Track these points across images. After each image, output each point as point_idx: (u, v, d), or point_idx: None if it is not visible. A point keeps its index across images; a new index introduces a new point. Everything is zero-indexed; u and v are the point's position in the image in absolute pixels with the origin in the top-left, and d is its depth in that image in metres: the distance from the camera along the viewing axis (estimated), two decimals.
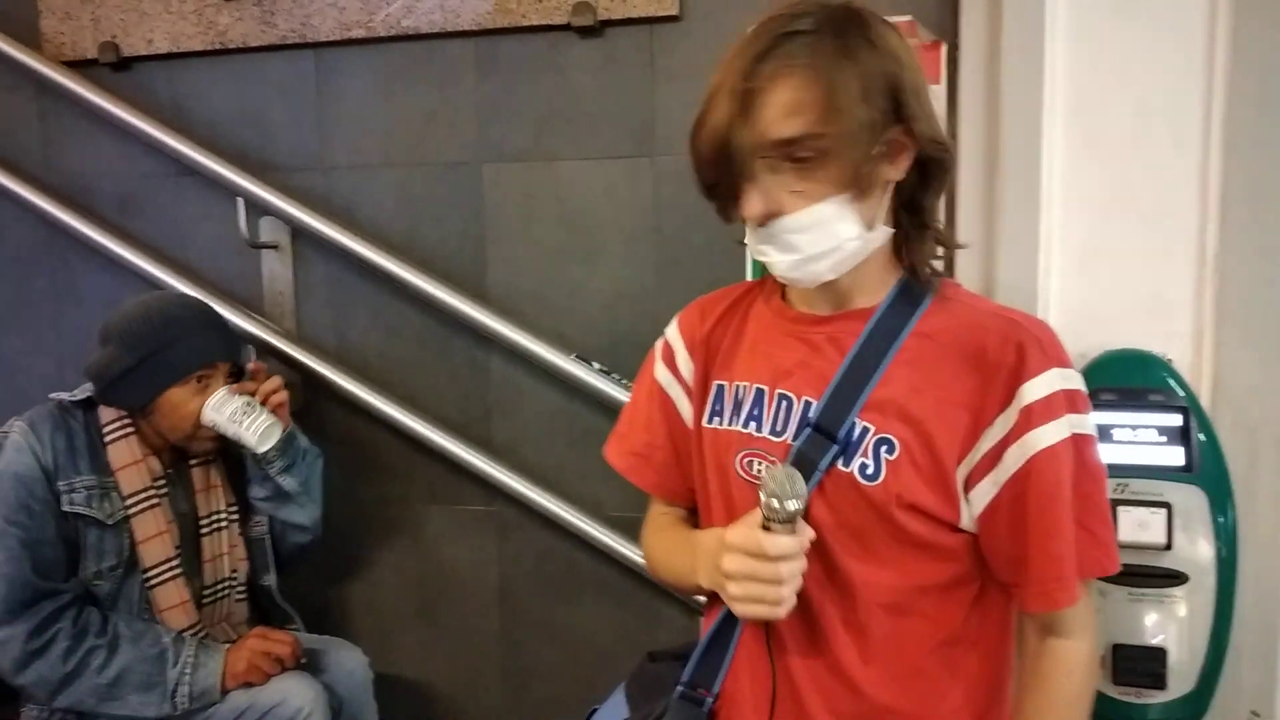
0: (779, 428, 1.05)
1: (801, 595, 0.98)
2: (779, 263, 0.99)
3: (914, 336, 1.01)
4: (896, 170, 0.97)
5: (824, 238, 0.96)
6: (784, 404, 1.06)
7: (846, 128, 0.90)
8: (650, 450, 1.23)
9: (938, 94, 1.60)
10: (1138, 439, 1.38)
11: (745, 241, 1.04)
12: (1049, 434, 0.94)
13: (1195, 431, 1.36)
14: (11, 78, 2.24)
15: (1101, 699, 1.36)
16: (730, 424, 1.10)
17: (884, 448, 0.99)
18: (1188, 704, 1.35)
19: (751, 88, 0.91)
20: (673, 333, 1.22)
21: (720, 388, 1.13)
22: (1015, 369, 0.95)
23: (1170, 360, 1.41)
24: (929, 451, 0.97)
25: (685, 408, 1.18)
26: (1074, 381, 0.97)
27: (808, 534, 0.97)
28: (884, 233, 1.00)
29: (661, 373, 1.21)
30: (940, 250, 1.07)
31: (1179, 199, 1.42)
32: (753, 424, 1.07)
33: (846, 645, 1.03)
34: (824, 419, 1.01)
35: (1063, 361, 0.97)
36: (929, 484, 0.98)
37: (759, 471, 1.06)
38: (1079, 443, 0.96)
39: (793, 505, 0.91)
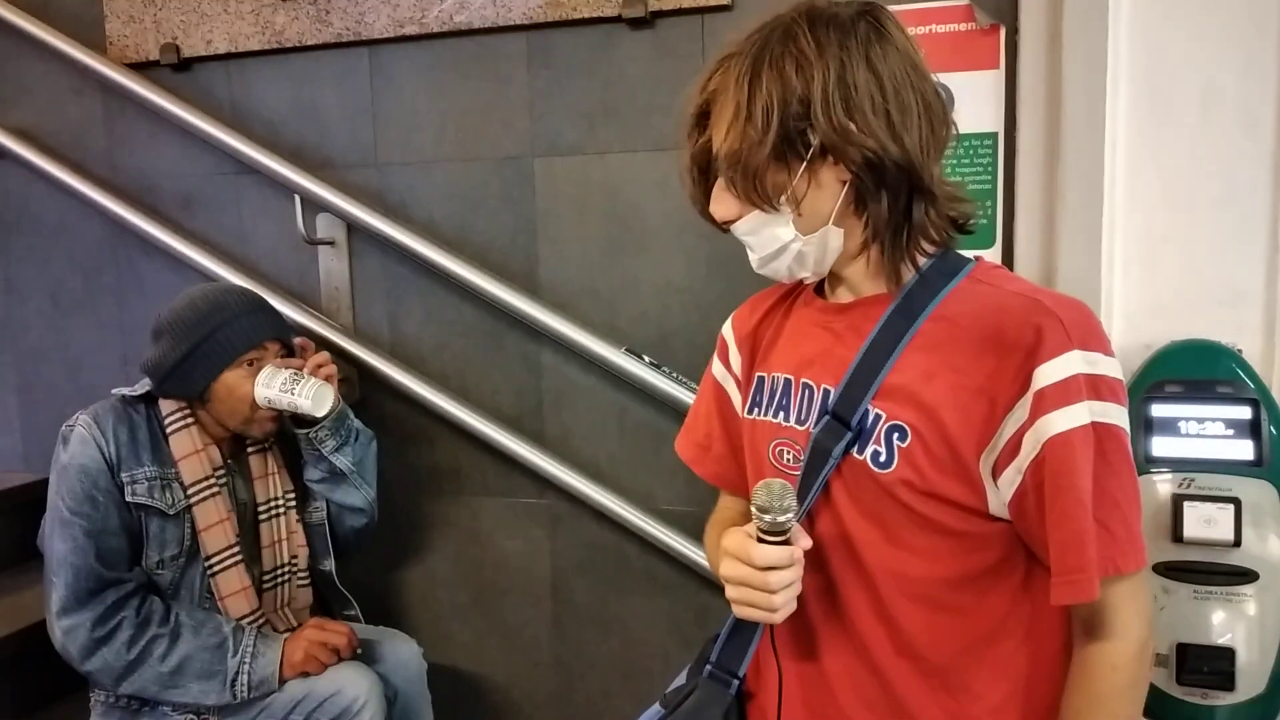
0: (803, 416, 1.07)
1: (831, 584, 1.04)
2: (750, 260, 1.08)
3: (932, 321, 1.00)
4: (818, 180, 0.99)
5: (768, 240, 1.03)
6: (807, 393, 1.07)
7: (733, 147, 0.98)
8: (709, 441, 1.29)
9: (995, 79, 1.57)
10: (1205, 432, 1.35)
11: None
12: (1061, 420, 0.90)
13: (1266, 424, 1.31)
14: (79, 81, 2.30)
15: (1165, 700, 1.33)
16: (765, 414, 1.13)
17: (896, 434, 0.98)
18: (1257, 707, 1.31)
19: (694, 110, 1.05)
20: (727, 328, 1.27)
21: (760, 379, 1.16)
22: (1031, 351, 0.92)
23: (1239, 351, 1.37)
24: (942, 438, 0.95)
25: (738, 400, 1.22)
26: (1101, 367, 0.92)
27: (802, 544, 0.97)
28: (835, 234, 1.02)
29: (717, 367, 1.28)
30: (956, 235, 1.05)
31: (1248, 184, 1.38)
32: (781, 413, 1.10)
33: (878, 636, 1.02)
34: (839, 406, 1.02)
35: (1088, 344, 0.92)
36: (944, 471, 0.96)
37: (788, 460, 1.07)
38: (1100, 433, 0.91)
39: (780, 519, 0.93)
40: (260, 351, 1.76)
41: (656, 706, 1.19)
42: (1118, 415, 0.92)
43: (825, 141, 0.95)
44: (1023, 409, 0.92)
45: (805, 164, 0.97)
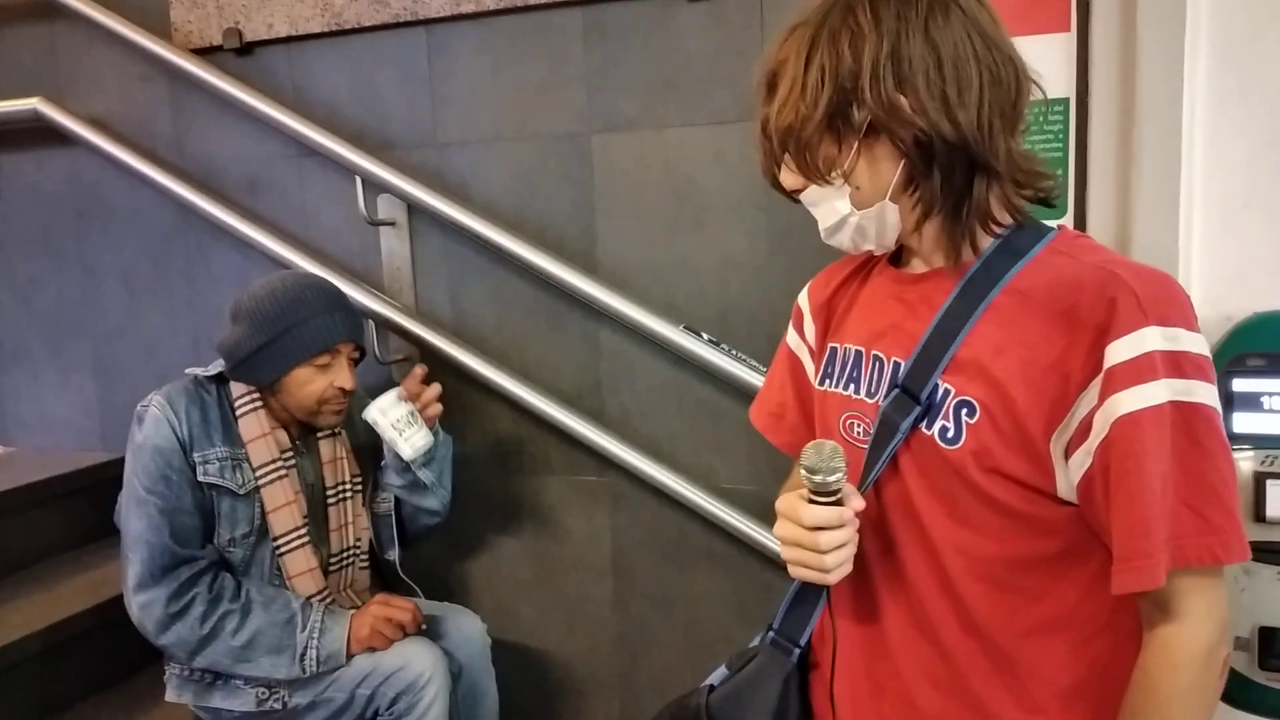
0: (873, 389, 1.05)
1: (897, 558, 1.02)
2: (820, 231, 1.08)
3: (1006, 293, 0.97)
4: (872, 154, 0.98)
5: (827, 213, 1.04)
6: (877, 365, 1.06)
7: (786, 120, 0.98)
8: (783, 410, 1.28)
9: (1066, 42, 1.52)
10: None
11: None
12: (1132, 399, 0.85)
13: None
14: (146, 68, 2.35)
15: (1246, 684, 1.29)
16: (836, 386, 1.12)
17: (964, 410, 0.95)
18: None
19: (763, 79, 1.04)
20: (803, 298, 1.26)
21: (833, 350, 1.14)
22: (1104, 327, 0.87)
23: None
24: (1010, 415, 0.92)
25: (811, 370, 1.21)
26: (1184, 343, 0.87)
27: (854, 505, 0.97)
28: (891, 209, 1.00)
29: (792, 337, 1.27)
30: (1025, 206, 1.01)
31: None
32: (852, 386, 1.09)
33: (943, 612, 1.01)
34: (909, 380, 1.00)
35: (1167, 319, 0.87)
36: (1013, 449, 0.93)
37: (859, 434, 1.06)
38: (1185, 412, 0.86)
39: (828, 479, 0.93)
40: (335, 352, 1.78)
41: (723, 668, 1.19)
42: (1206, 394, 0.87)
43: (873, 117, 0.94)
44: (1094, 389, 0.88)
45: (858, 139, 0.96)
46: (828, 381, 1.13)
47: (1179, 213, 1.39)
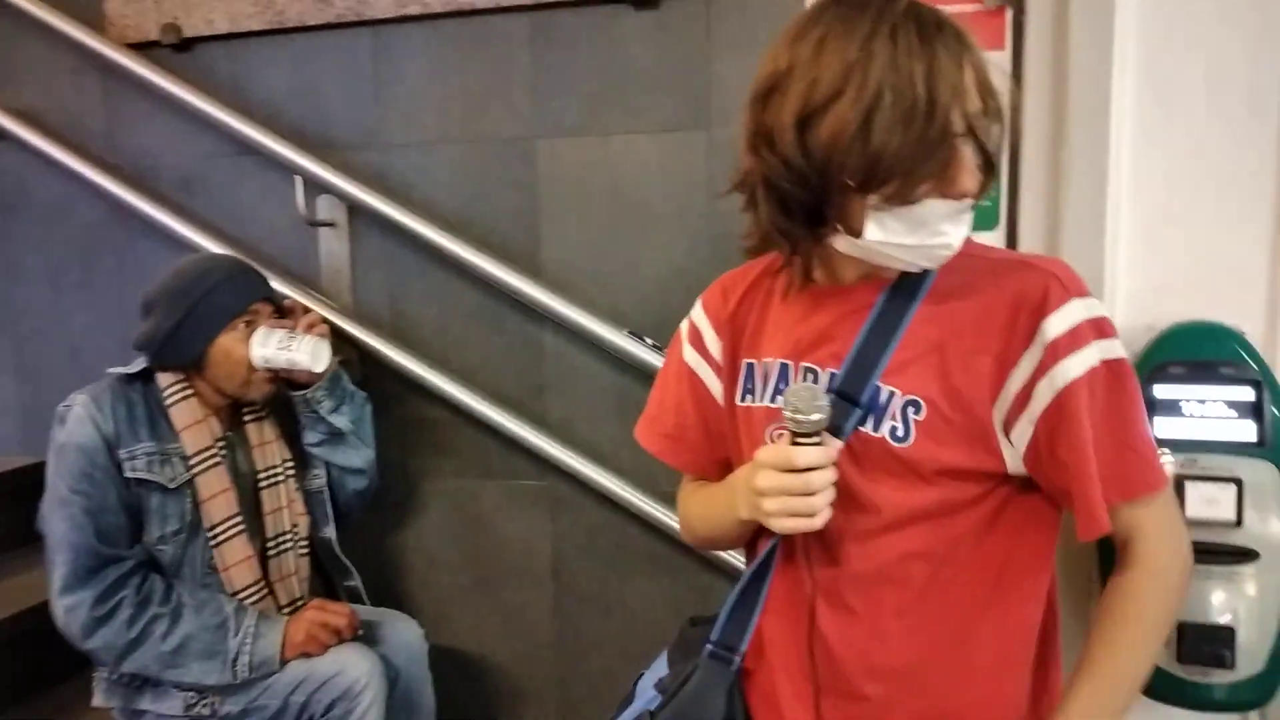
0: None
1: (834, 557, 1.04)
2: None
3: (931, 294, 1.03)
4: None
5: (967, 225, 1.02)
6: (810, 377, 1.07)
7: (982, 111, 0.98)
8: (681, 431, 1.26)
9: (1000, 60, 1.57)
10: (1207, 413, 1.34)
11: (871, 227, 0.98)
12: (1076, 364, 0.95)
13: (1268, 405, 1.31)
14: (78, 60, 2.29)
15: (1166, 678, 1.33)
16: (760, 400, 1.12)
17: (911, 408, 0.99)
18: (1256, 685, 1.31)
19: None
20: (698, 314, 1.24)
21: (750, 366, 1.15)
22: (1037, 306, 0.97)
23: (1243, 332, 1.36)
24: (958, 405, 0.98)
25: (716, 387, 1.20)
26: (1097, 310, 0.98)
27: (836, 445, 1.00)
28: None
29: (689, 354, 1.23)
30: None
31: (1254, 166, 1.37)
32: (779, 398, 1.08)
33: (881, 603, 1.04)
34: (845, 384, 1.02)
35: (1082, 291, 0.98)
36: (965, 438, 0.98)
37: None
38: (1113, 367, 0.97)
39: (815, 416, 0.95)
40: (252, 314, 1.77)
41: (652, 693, 1.19)
42: (1120, 348, 0.98)
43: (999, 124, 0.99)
44: (1030, 360, 0.96)
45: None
46: (750, 397, 1.13)
47: (1105, 226, 1.44)
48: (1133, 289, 1.45)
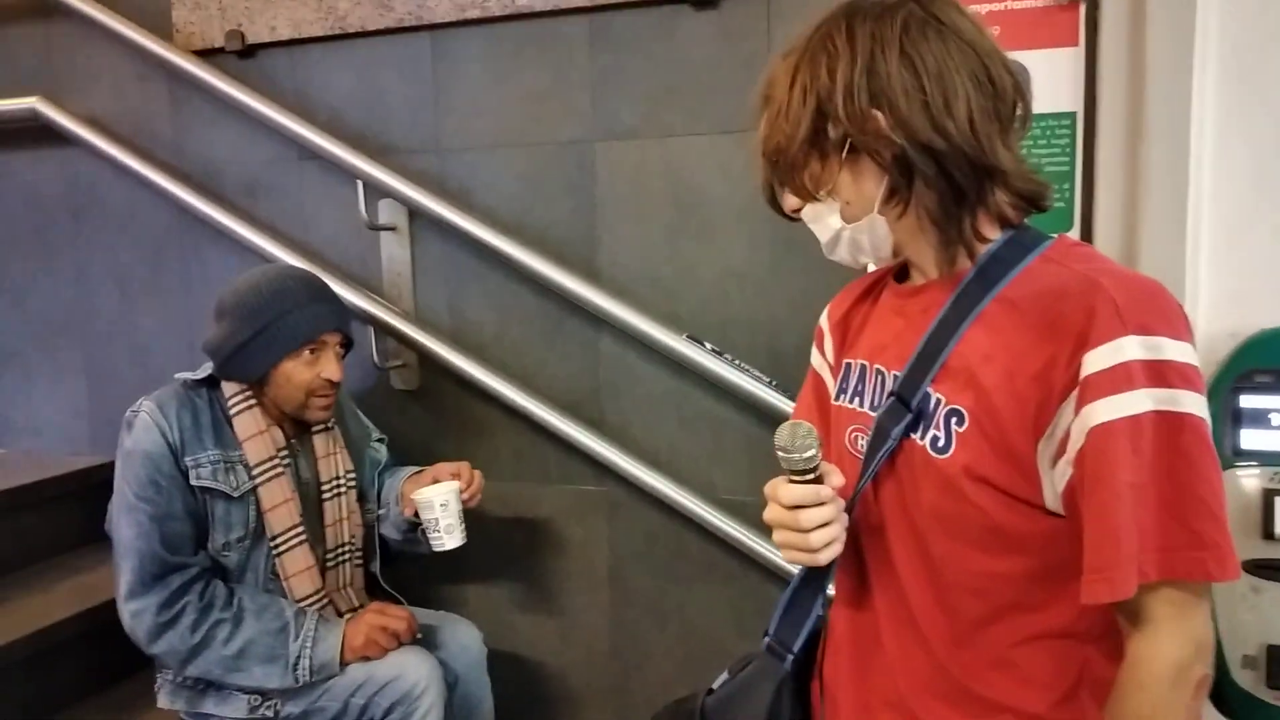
0: (875, 402, 1.06)
1: (895, 570, 1.03)
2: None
3: (997, 302, 0.96)
4: (857, 169, 0.99)
5: (824, 229, 1.05)
6: (879, 378, 1.06)
7: (772, 143, 1.01)
8: None
9: (1074, 57, 1.52)
10: None
11: None
12: (1107, 409, 0.84)
13: None
14: (146, 68, 2.34)
15: (1252, 703, 1.28)
16: (848, 401, 1.12)
17: (954, 419, 0.95)
18: None
19: (759, 102, 1.05)
20: (824, 316, 1.26)
21: (847, 366, 1.14)
22: (1083, 336, 0.86)
23: None
24: (996, 424, 0.91)
25: (832, 387, 1.20)
26: (1165, 352, 0.84)
27: (834, 482, 0.98)
28: (879, 222, 1.01)
29: (815, 356, 1.27)
30: (1022, 215, 1.01)
31: None
32: (858, 399, 1.09)
33: (938, 623, 1.00)
34: (902, 387, 1.00)
35: (1149, 328, 0.84)
36: (1001, 458, 0.92)
37: (861, 446, 1.06)
38: (1170, 421, 0.83)
39: (804, 454, 0.93)
40: (320, 344, 1.77)
41: (726, 672, 1.19)
42: (1193, 404, 0.84)
43: (849, 134, 0.95)
44: (1073, 399, 0.87)
45: (840, 155, 0.98)
46: (842, 397, 1.13)
47: (1186, 228, 1.39)
48: (1215, 294, 1.40)
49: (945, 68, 0.93)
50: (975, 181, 0.95)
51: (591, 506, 2.11)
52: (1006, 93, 0.96)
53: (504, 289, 2.11)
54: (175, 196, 2.29)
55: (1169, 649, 0.86)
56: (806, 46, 0.98)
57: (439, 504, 1.79)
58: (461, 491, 1.83)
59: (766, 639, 1.13)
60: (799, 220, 1.08)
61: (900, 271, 1.13)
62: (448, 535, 1.81)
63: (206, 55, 2.26)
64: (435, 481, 1.85)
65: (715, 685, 1.17)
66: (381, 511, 1.96)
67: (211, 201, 2.28)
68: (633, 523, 2.08)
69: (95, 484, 2.26)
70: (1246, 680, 1.28)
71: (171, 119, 2.36)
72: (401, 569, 2.04)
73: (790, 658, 1.10)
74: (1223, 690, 1.29)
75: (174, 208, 2.33)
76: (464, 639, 1.93)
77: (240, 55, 2.24)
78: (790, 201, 1.06)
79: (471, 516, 1.90)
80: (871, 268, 1.16)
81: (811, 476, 0.96)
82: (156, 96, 2.36)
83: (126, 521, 1.66)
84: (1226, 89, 1.37)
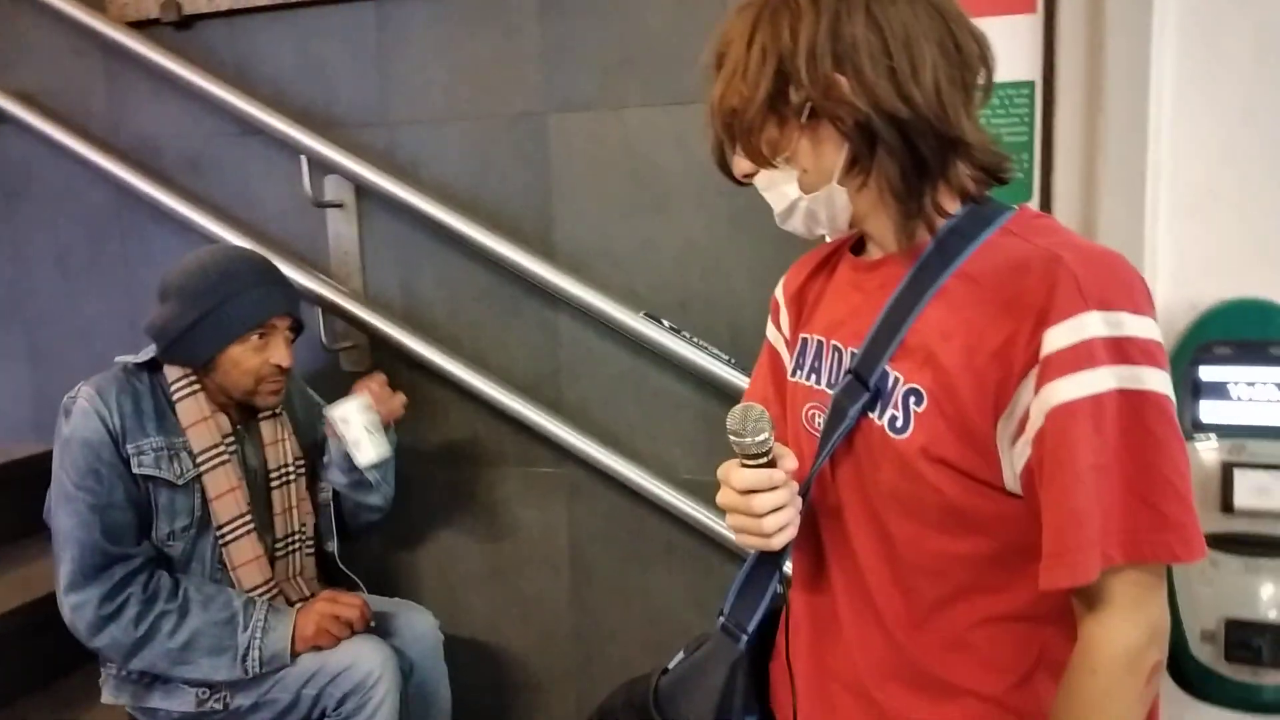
0: (832, 379, 1.03)
1: (852, 550, 1.01)
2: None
3: (956, 277, 0.93)
4: (817, 137, 0.94)
5: (778, 197, 1.01)
6: (836, 354, 1.03)
7: (728, 104, 0.96)
8: (765, 405, 1.21)
9: (1032, 24, 1.49)
10: (1256, 396, 1.27)
11: None
12: (1068, 388, 0.81)
13: None
14: (79, 41, 2.25)
15: (1211, 676, 1.27)
16: (804, 377, 1.09)
17: (912, 398, 0.92)
18: None
19: (710, 61, 1.01)
20: (778, 289, 1.22)
21: (804, 341, 1.11)
22: (1044, 312, 0.83)
23: None
24: (955, 404, 0.89)
25: (788, 361, 1.17)
26: (1127, 328, 0.82)
27: (787, 466, 0.96)
28: (839, 192, 0.97)
29: (770, 330, 1.23)
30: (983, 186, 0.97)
31: None
32: (814, 376, 1.07)
33: (895, 605, 0.98)
34: (859, 365, 0.97)
35: (1110, 303, 0.82)
36: (959, 438, 0.89)
37: (819, 424, 1.03)
38: (1134, 400, 0.81)
39: (755, 439, 0.92)
40: (268, 328, 1.71)
41: (680, 654, 1.17)
42: (1157, 381, 0.82)
43: (811, 99, 0.91)
44: (1032, 378, 0.84)
45: (800, 121, 0.93)
46: (799, 373, 1.10)
47: (1145, 198, 1.37)
48: (1175, 265, 1.38)
49: (912, 33, 0.89)
50: (939, 153, 0.91)
51: (550, 488, 2.08)
52: (973, 60, 0.93)
53: (457, 267, 2.06)
54: (113, 174, 2.21)
55: (1124, 633, 0.83)
56: (766, 2, 0.93)
57: (344, 417, 1.77)
58: (371, 404, 1.79)
59: (721, 619, 1.11)
60: (749, 185, 1.03)
61: (857, 243, 1.09)
62: (360, 449, 1.78)
63: (142, 27, 2.18)
64: None
65: (670, 665, 1.15)
66: (325, 459, 1.91)
67: (151, 179, 2.20)
68: (592, 504, 2.05)
69: (38, 472, 2.15)
70: (1205, 655, 1.27)
71: (107, 94, 2.27)
72: (357, 554, 1.99)
73: (745, 638, 1.08)
74: (1181, 665, 1.29)
75: (112, 185, 2.25)
76: (419, 626, 1.89)
77: (177, 27, 2.16)
78: (742, 165, 1.01)
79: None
80: (828, 240, 1.13)
81: (764, 460, 0.94)
82: (91, 71, 2.27)
83: (66, 511, 1.60)
84: (1186, 56, 1.35)
